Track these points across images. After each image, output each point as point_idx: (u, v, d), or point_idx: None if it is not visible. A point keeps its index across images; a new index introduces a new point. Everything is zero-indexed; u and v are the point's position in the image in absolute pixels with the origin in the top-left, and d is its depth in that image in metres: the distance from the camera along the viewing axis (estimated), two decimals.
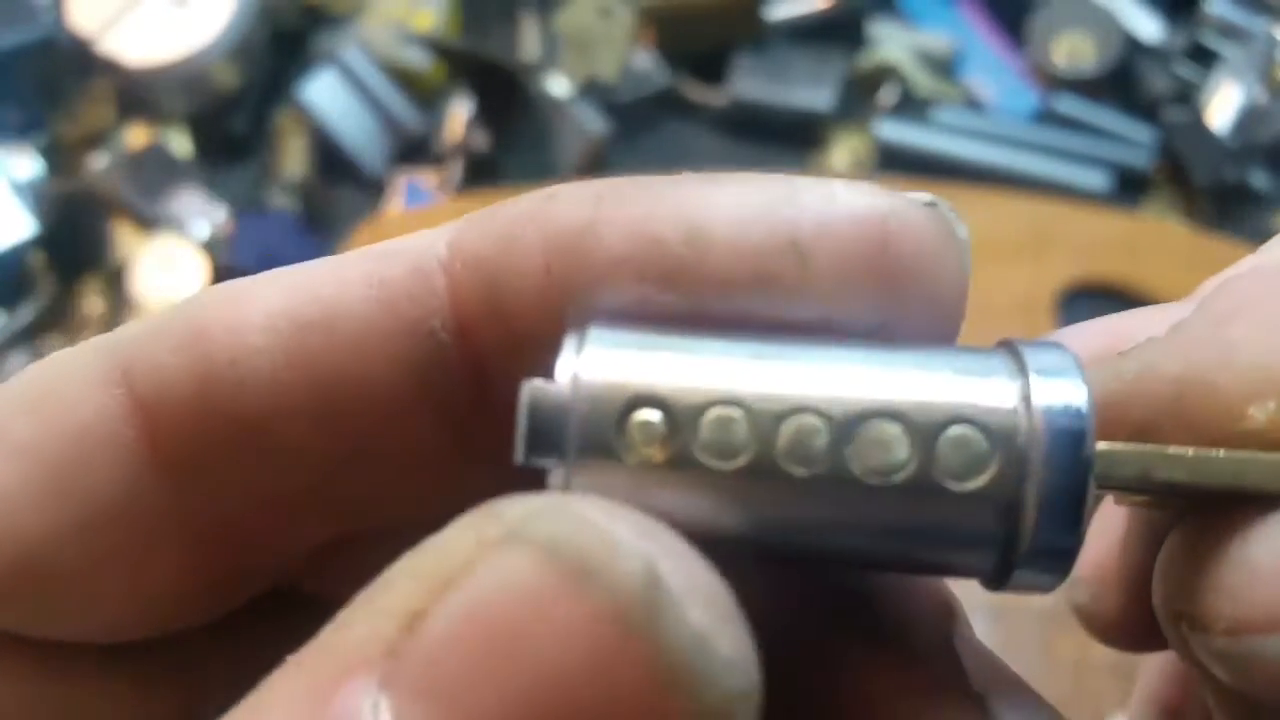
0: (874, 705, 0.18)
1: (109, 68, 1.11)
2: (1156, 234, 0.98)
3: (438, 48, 1.13)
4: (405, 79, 1.11)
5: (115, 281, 1.07)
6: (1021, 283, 0.94)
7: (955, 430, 0.16)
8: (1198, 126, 0.99)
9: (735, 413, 0.16)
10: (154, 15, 1.10)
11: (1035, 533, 0.16)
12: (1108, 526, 0.26)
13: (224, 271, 1.05)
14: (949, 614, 0.19)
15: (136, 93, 1.12)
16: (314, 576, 0.22)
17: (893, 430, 0.16)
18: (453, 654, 0.14)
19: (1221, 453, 0.17)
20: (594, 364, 0.16)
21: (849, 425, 0.16)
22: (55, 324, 1.06)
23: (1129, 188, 1.01)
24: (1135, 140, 1.02)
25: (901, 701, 0.18)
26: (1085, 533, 0.16)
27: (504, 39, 1.14)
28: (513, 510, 0.15)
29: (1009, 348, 0.17)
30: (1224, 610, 0.16)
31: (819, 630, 0.19)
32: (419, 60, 1.12)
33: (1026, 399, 0.16)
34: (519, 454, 0.16)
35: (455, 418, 0.18)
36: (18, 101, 1.11)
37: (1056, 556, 0.16)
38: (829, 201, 0.17)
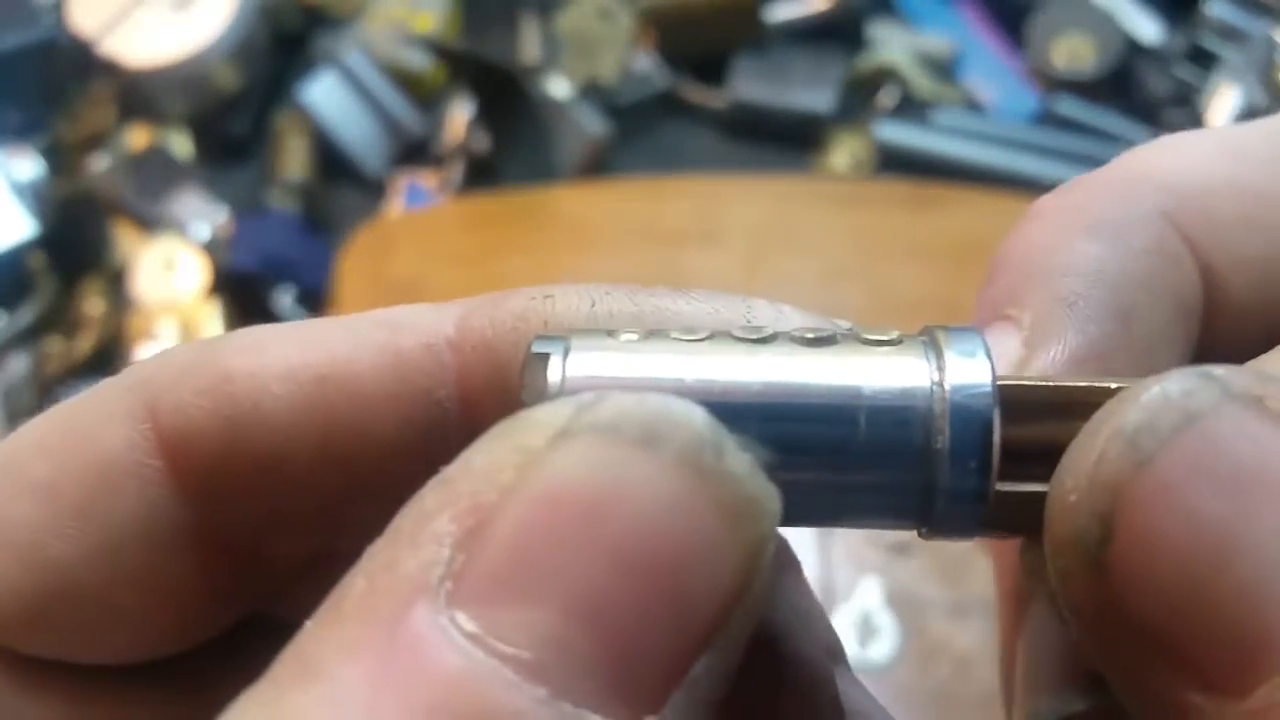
0: None
1: (110, 69, 1.11)
2: None
3: (438, 49, 1.13)
4: (406, 81, 1.12)
5: (116, 282, 1.07)
6: None
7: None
8: (1197, 129, 0.99)
9: (701, 332, 0.19)
10: (155, 17, 1.11)
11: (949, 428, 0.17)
12: None
13: (224, 272, 1.06)
14: (834, 653, 0.21)
15: (137, 94, 1.13)
16: (289, 601, 0.24)
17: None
18: (527, 550, 0.15)
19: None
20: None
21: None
22: (55, 325, 1.06)
23: None
24: (1135, 142, 1.02)
25: None
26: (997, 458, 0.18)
27: (504, 41, 1.14)
28: (547, 416, 0.16)
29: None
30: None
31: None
32: (419, 62, 1.12)
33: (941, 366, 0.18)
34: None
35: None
36: (19, 102, 1.11)
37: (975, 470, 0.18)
38: (779, 315, 0.20)
